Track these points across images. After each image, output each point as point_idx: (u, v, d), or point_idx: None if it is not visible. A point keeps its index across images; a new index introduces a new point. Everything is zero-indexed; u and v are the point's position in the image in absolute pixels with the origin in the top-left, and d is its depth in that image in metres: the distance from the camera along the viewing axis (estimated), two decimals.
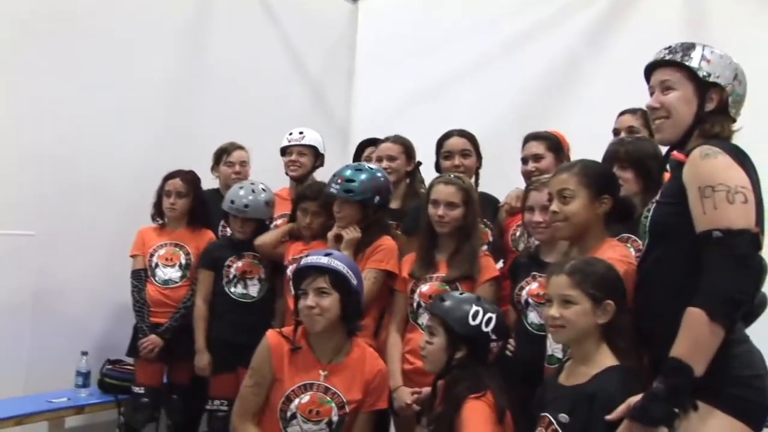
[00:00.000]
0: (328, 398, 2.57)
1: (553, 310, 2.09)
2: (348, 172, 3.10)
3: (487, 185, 3.42)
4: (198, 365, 3.50)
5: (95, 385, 3.83)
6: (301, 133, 3.90)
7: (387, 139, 3.59)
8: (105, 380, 3.83)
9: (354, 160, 3.83)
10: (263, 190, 3.61)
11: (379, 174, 3.14)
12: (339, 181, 3.08)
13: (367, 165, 3.25)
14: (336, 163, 3.69)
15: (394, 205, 3.39)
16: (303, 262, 2.65)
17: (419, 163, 3.58)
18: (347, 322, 2.62)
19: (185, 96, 4.54)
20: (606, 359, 2.06)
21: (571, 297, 2.07)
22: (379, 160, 3.50)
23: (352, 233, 3.07)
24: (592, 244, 2.37)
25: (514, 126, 4.16)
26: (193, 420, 3.86)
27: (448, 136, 3.41)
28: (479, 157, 3.41)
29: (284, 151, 3.90)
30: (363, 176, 3.08)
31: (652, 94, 2.15)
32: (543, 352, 2.50)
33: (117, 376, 3.83)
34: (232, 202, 3.54)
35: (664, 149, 2.27)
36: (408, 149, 3.55)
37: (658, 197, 2.13)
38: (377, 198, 3.09)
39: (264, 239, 3.50)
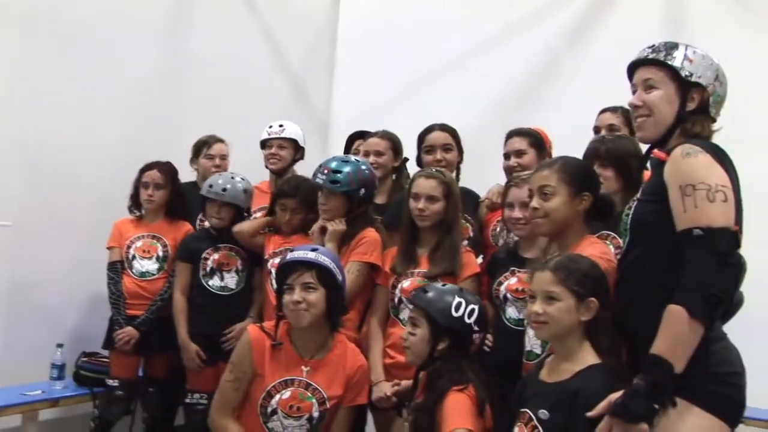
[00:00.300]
0: (309, 394, 2.57)
1: (537, 306, 2.09)
2: (333, 164, 3.08)
3: (467, 181, 3.42)
4: (186, 357, 3.46)
5: (70, 378, 3.79)
6: (281, 126, 3.89)
7: (375, 134, 3.59)
8: (80, 373, 3.79)
9: (345, 153, 3.83)
10: (242, 179, 3.61)
11: (363, 166, 3.13)
12: (325, 171, 3.06)
13: (353, 157, 3.24)
14: (316, 156, 3.69)
15: (379, 200, 3.39)
16: (289, 256, 2.64)
17: (406, 159, 3.58)
18: (331, 318, 2.62)
19: (164, 88, 4.48)
20: (588, 357, 2.06)
21: (554, 293, 2.07)
22: (366, 154, 3.49)
23: (337, 225, 3.05)
24: (572, 240, 2.38)
25: (496, 122, 4.19)
26: (169, 414, 3.85)
27: (429, 130, 3.40)
28: (461, 151, 3.41)
29: (264, 144, 3.89)
30: (348, 168, 3.06)
31: (634, 92, 2.16)
32: (521, 347, 2.52)
33: (92, 369, 3.78)
34: (211, 186, 3.53)
35: (644, 147, 2.29)
36: (395, 145, 3.55)
37: (639, 195, 2.15)
38: (363, 190, 3.08)
39: (242, 226, 3.48)
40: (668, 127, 2.09)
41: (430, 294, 2.44)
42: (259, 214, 3.64)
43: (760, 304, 2.85)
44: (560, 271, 2.08)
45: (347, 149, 3.90)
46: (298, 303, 2.52)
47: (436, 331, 2.38)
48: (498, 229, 3.20)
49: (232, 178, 3.58)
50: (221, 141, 4.08)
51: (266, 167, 3.89)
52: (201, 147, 4.06)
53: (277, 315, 2.65)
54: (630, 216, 2.13)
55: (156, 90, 4.42)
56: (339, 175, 3.04)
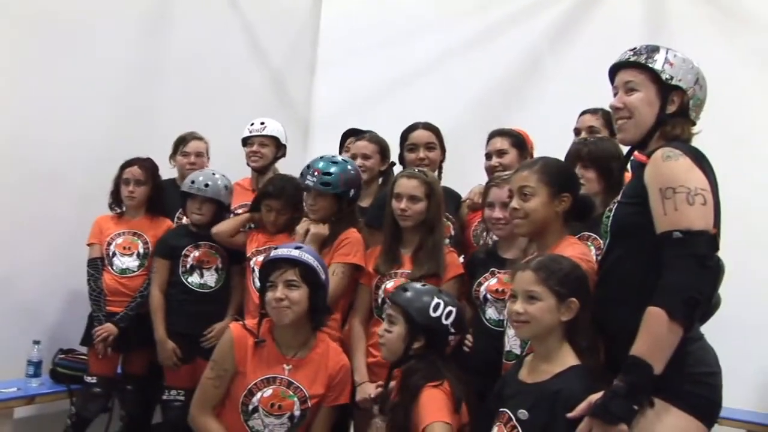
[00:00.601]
0: (291, 392, 2.57)
1: (518, 306, 2.10)
2: (321, 164, 3.05)
3: (448, 180, 3.42)
4: (163, 355, 3.44)
5: (47, 375, 3.75)
6: (262, 123, 3.88)
7: (363, 137, 3.58)
8: (57, 370, 3.75)
9: (339, 150, 3.83)
10: (222, 176, 3.61)
11: (350, 167, 3.11)
12: (315, 174, 3.03)
13: (339, 157, 3.21)
14: (297, 154, 3.67)
15: (364, 203, 3.37)
16: (273, 254, 2.63)
17: (393, 164, 3.57)
18: (314, 316, 2.62)
19: (144, 84, 4.45)
20: (568, 357, 2.07)
21: (536, 293, 2.08)
22: (354, 157, 3.48)
23: (320, 228, 3.04)
24: (551, 241, 2.39)
25: (477, 121, 4.19)
26: (147, 411, 3.82)
27: (413, 128, 3.40)
28: (444, 150, 3.41)
29: (245, 142, 3.87)
30: (336, 168, 3.04)
31: (615, 94, 2.18)
32: (501, 348, 2.52)
33: (69, 366, 3.75)
34: (192, 182, 3.52)
35: (624, 149, 2.30)
36: (383, 149, 3.53)
37: (619, 197, 2.17)
38: (352, 191, 3.07)
39: (220, 227, 3.47)
40: (648, 130, 2.11)
41: (409, 293, 2.46)
42: (240, 212, 3.63)
43: (736, 305, 2.89)
44: (542, 271, 2.10)
45: (341, 146, 3.88)
46: (280, 300, 2.52)
47: (413, 329, 2.40)
48: (479, 229, 3.21)
49: (213, 174, 3.58)
50: (199, 138, 4.06)
51: (248, 164, 3.88)
52: (179, 144, 4.04)
53: (259, 313, 2.64)
54: (610, 218, 2.15)
55: (137, 86, 4.39)
56: (329, 177, 3.01)
